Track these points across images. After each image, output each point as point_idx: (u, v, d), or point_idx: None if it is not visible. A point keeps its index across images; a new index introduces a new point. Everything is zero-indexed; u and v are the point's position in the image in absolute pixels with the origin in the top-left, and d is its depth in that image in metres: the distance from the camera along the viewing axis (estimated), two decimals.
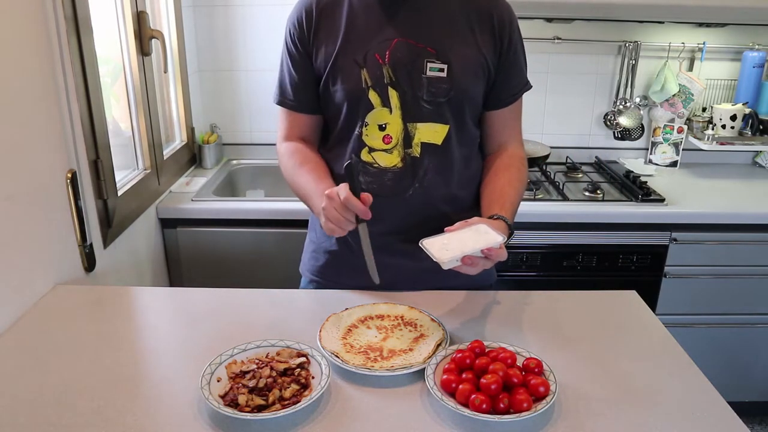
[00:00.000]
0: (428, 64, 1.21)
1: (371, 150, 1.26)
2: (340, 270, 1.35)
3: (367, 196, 1.09)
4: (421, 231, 1.12)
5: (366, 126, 1.25)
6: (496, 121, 1.33)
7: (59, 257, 1.37)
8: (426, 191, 1.27)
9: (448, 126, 1.25)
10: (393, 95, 1.23)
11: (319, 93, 1.28)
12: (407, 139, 1.25)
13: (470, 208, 1.32)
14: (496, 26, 1.23)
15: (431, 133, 1.25)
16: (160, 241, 2.03)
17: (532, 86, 1.34)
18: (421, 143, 1.25)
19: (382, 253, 1.20)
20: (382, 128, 1.25)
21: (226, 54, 2.44)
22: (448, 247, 1.05)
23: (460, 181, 1.30)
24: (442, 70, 1.21)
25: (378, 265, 1.15)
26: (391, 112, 1.24)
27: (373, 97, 1.23)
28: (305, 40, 1.25)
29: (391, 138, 1.25)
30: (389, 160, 1.26)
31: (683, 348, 1.10)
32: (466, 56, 1.22)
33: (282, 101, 1.32)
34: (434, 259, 1.04)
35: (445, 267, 1.04)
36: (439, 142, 1.26)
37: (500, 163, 1.32)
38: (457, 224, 1.10)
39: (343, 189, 1.08)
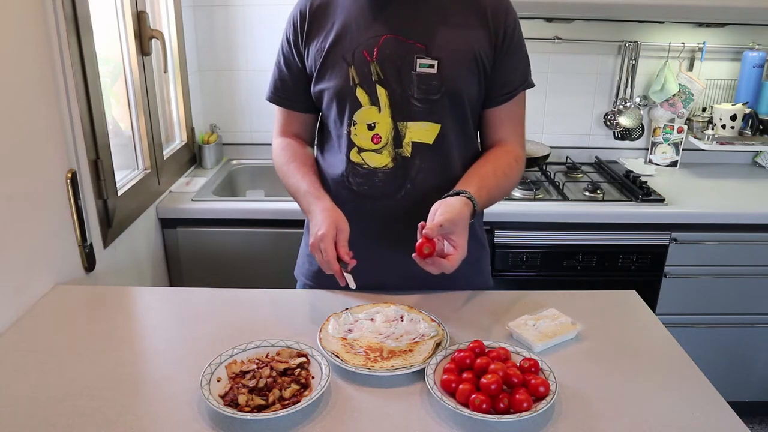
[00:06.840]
0: (418, 60, 1.18)
1: (360, 150, 1.24)
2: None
3: (352, 261, 1.13)
4: (414, 231, 1.10)
5: (354, 125, 1.23)
6: (492, 120, 1.28)
7: (59, 257, 1.37)
8: (419, 192, 1.24)
9: (439, 125, 1.22)
10: (382, 93, 1.20)
11: (312, 93, 1.27)
12: (397, 139, 1.23)
13: None
14: (490, 19, 1.19)
15: (422, 132, 1.22)
16: (160, 241, 2.03)
17: (534, 85, 1.28)
18: (412, 143, 1.23)
19: (373, 252, 1.19)
20: (370, 127, 1.22)
21: (226, 54, 2.44)
22: None
23: (457, 180, 1.26)
24: (432, 66, 1.18)
25: (368, 264, 1.15)
26: (380, 110, 1.21)
27: (360, 95, 1.21)
28: (298, 40, 1.25)
29: (380, 138, 1.22)
30: (379, 160, 1.24)
31: (683, 348, 1.10)
32: (457, 51, 1.18)
33: (272, 98, 1.33)
34: None
35: None
36: (431, 142, 1.23)
37: (492, 153, 1.27)
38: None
39: (330, 250, 1.11)
